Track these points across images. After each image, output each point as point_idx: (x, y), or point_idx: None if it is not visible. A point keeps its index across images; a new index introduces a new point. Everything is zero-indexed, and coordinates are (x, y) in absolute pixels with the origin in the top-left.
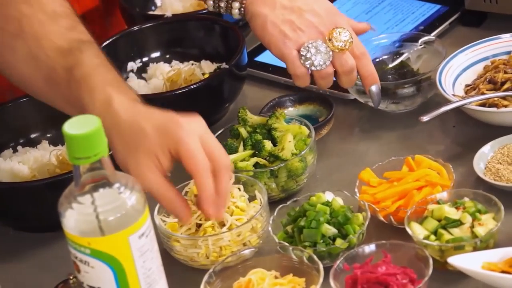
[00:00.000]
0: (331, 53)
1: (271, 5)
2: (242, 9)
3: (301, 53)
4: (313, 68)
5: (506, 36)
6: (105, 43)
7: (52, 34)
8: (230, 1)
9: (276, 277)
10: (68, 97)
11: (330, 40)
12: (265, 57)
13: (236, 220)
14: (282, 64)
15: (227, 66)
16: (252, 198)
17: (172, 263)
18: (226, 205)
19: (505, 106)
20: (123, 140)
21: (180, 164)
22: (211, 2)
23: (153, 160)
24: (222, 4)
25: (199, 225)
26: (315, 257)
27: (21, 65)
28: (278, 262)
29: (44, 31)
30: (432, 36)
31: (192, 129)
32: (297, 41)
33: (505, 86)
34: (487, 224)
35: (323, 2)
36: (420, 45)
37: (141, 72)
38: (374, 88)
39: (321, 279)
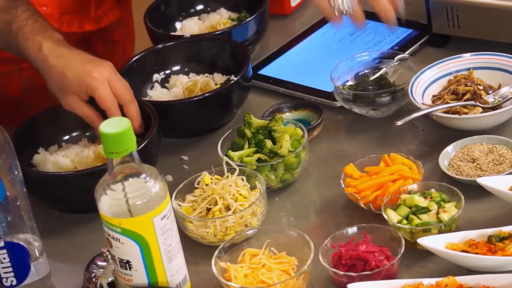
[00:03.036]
0: None
1: None
2: None
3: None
4: (339, 10)
5: (466, 55)
6: (135, 58)
7: None
8: None
9: (274, 253)
10: (10, 45)
11: None
12: (267, 71)
13: (240, 205)
14: (281, 77)
15: (235, 78)
16: (253, 188)
17: (185, 240)
18: (138, 123)
19: (465, 113)
20: (53, 82)
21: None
22: None
23: (76, 96)
24: None
25: (208, 209)
26: (306, 236)
27: None
28: (275, 240)
29: None
30: (405, 55)
31: (101, 76)
32: None
33: (466, 97)
34: (450, 211)
35: None
36: (396, 62)
37: (164, 82)
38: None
39: (311, 255)
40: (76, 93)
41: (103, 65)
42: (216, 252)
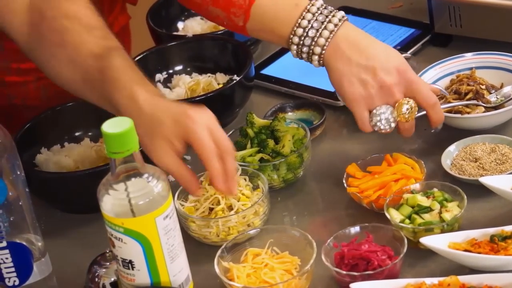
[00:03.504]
0: (396, 118)
1: (347, 61)
2: (321, 60)
3: (371, 117)
4: (377, 129)
5: (468, 55)
6: (137, 58)
7: (88, 43)
8: (311, 53)
9: (277, 253)
10: (102, 94)
11: (397, 108)
12: (269, 70)
13: (242, 205)
14: (284, 77)
15: (237, 78)
16: (255, 187)
17: (188, 240)
18: (235, 183)
19: (468, 113)
20: (145, 129)
21: (197, 158)
22: (295, 49)
23: (169, 145)
24: (303, 55)
25: (211, 209)
26: (308, 236)
27: (63, 69)
28: (278, 240)
29: (81, 40)
30: (408, 54)
31: (201, 121)
32: (369, 103)
33: (468, 96)
34: (453, 210)
35: (396, 58)
36: None
37: (166, 82)
38: (439, 126)
39: (314, 255)
40: (169, 138)
41: (205, 111)
42: (219, 252)
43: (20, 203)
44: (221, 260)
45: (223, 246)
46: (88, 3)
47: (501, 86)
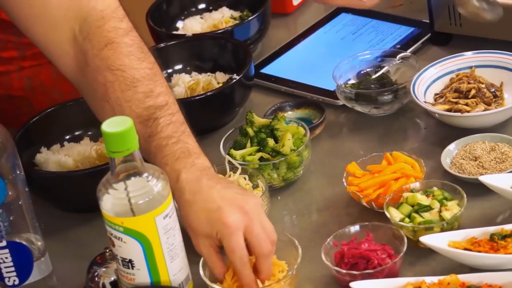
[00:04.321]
0: None
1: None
2: None
3: None
4: None
5: (468, 54)
6: None
7: (132, 102)
8: None
9: None
10: (146, 154)
11: None
12: (269, 69)
13: None
14: (283, 76)
15: (237, 77)
16: (255, 186)
17: (188, 240)
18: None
19: (468, 111)
20: (186, 218)
21: None
22: None
23: (208, 240)
24: None
25: None
26: (295, 241)
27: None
28: None
29: (125, 98)
30: (408, 53)
31: (235, 223)
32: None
33: (472, 93)
34: (453, 209)
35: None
36: (398, 60)
37: (166, 81)
38: None
39: (298, 260)
40: (208, 237)
41: (245, 206)
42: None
43: (20, 203)
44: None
45: None
46: (131, 46)
47: (501, 85)
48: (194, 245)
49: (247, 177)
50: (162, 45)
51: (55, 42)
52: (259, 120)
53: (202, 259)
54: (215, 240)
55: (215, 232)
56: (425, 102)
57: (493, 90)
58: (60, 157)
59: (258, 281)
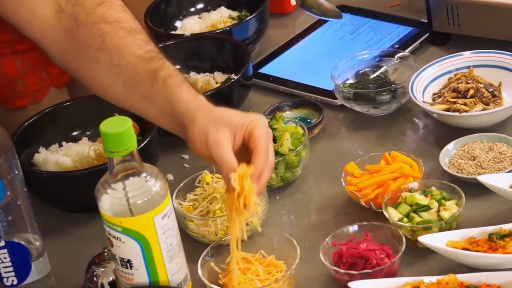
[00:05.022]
0: None
1: None
2: None
3: None
4: None
5: (466, 53)
6: None
7: (132, 46)
8: None
9: (263, 256)
10: (148, 94)
11: None
12: (267, 69)
13: None
14: (282, 75)
15: (235, 77)
16: None
17: (186, 239)
18: (261, 191)
19: (466, 111)
20: (209, 116)
21: (195, 157)
22: None
23: (231, 134)
24: None
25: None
26: (293, 241)
27: (103, 74)
28: (266, 244)
29: (124, 43)
30: (406, 53)
31: (265, 123)
32: None
33: (470, 93)
34: (451, 209)
35: None
36: (396, 60)
37: None
38: None
39: (297, 260)
40: (233, 128)
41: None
42: (203, 254)
43: (18, 203)
44: (205, 262)
45: (208, 248)
46: (124, 7)
47: (499, 85)
48: (212, 135)
49: None
50: (160, 44)
51: (39, 18)
52: None
53: (200, 259)
54: (240, 132)
55: (249, 120)
56: (423, 102)
57: (491, 89)
58: (59, 157)
59: (257, 281)
